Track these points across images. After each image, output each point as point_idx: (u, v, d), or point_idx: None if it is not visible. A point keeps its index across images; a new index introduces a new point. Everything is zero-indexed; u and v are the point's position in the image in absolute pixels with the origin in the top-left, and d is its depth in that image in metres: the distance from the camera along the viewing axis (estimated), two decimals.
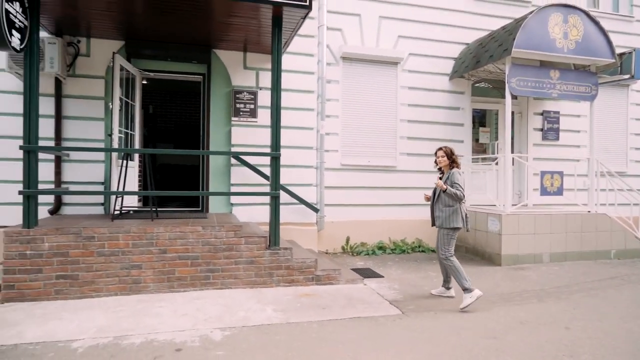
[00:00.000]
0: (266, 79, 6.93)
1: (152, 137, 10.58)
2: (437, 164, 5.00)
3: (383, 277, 5.93)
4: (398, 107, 7.98)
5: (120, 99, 5.98)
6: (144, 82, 9.87)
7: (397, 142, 7.98)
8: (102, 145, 6.25)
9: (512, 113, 8.90)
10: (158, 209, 6.23)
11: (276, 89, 5.26)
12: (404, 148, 8.00)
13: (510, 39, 6.71)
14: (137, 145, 6.55)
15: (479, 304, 4.63)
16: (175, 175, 10.48)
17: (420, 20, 8.02)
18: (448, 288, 5.06)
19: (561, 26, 6.84)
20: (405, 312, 4.44)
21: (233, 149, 6.78)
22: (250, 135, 6.83)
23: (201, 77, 6.84)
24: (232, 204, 6.84)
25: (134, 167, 6.34)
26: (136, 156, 6.46)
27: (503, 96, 7.27)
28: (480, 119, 9.01)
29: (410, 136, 8.03)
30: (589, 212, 7.41)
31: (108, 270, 4.78)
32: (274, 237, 5.28)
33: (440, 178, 4.91)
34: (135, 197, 6.47)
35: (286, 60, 6.86)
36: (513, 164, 7.61)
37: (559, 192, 7.34)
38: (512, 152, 8.05)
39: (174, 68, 6.73)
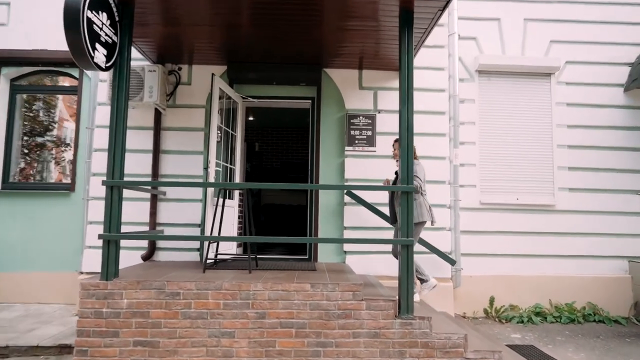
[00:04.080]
0: (386, 99, 5.76)
1: (256, 175, 9.97)
2: (394, 157, 4.92)
3: None
4: (554, 130, 6.20)
5: (220, 128, 5.21)
6: (251, 118, 9.41)
7: (554, 174, 6.15)
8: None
9: None
10: (259, 256, 5.24)
11: (406, 101, 3.98)
12: (565, 181, 6.13)
13: None
14: (237, 181, 5.70)
15: None
16: (282, 216, 9.62)
17: (580, 19, 6.29)
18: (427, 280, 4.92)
19: None
20: None
21: (347, 184, 5.59)
22: (367, 167, 5.62)
23: (310, 101, 5.87)
24: (345, 252, 5.58)
25: (233, 206, 5.45)
26: (236, 194, 5.59)
27: None
28: None
29: (573, 166, 6.14)
30: None
31: (194, 337, 3.73)
32: (405, 301, 3.85)
33: (397, 172, 4.52)
34: (234, 242, 5.53)
35: None
36: None
37: None
38: None
39: (279, 93, 5.86)
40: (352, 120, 5.71)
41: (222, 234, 4.73)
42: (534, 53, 6.25)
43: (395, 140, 4.82)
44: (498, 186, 6.12)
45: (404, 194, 3.93)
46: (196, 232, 5.43)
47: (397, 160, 4.77)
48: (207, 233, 4.61)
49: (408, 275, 3.86)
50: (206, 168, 4.79)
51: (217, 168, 4.98)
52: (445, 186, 5.72)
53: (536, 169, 6.17)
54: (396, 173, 4.62)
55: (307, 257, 5.64)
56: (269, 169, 10.39)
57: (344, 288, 3.85)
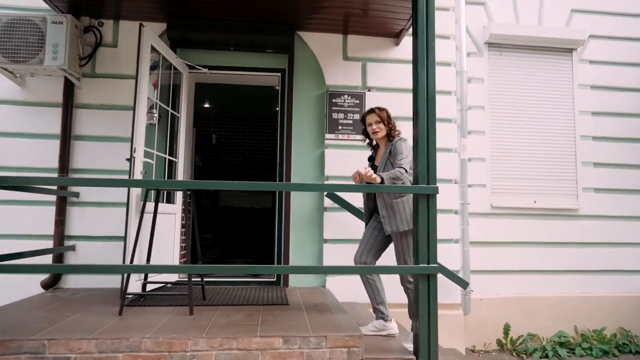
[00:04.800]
0: (378, 74, 4.48)
1: (212, 171, 8.47)
2: (367, 138, 3.31)
3: None
4: (577, 117, 5.10)
5: (155, 105, 3.75)
6: (207, 105, 7.89)
7: (578, 172, 5.05)
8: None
9: None
10: (208, 280, 3.84)
11: (425, 59, 2.77)
12: (590, 180, 5.04)
13: None
14: (181, 178, 4.23)
15: None
16: (244, 221, 8.12)
17: None
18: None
19: None
20: None
21: (327, 182, 4.27)
22: (354, 160, 4.26)
23: (279, 74, 4.48)
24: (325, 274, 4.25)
25: (174, 213, 3.99)
26: (179, 197, 4.11)
27: None
28: None
29: (599, 162, 5.07)
30: None
31: None
32: (427, 357, 2.54)
33: (372, 157, 3.30)
34: (175, 262, 4.04)
35: (409, 45, 4.38)
36: None
37: None
38: None
39: (239, 62, 4.43)
40: (334, 100, 4.37)
41: (154, 254, 3.27)
42: (552, 23, 5.13)
43: (369, 112, 3.20)
44: (512, 186, 4.97)
45: (422, 197, 2.64)
46: (119, 247, 3.93)
47: (368, 144, 3.37)
48: (128, 253, 3.13)
49: (430, 321, 2.56)
50: (129, 159, 3.31)
51: (148, 159, 3.51)
52: (453, 186, 4.48)
53: (556, 165, 5.05)
54: (371, 159, 3.30)
55: (274, 280, 4.25)
56: (228, 164, 8.90)
57: (335, 342, 2.50)
